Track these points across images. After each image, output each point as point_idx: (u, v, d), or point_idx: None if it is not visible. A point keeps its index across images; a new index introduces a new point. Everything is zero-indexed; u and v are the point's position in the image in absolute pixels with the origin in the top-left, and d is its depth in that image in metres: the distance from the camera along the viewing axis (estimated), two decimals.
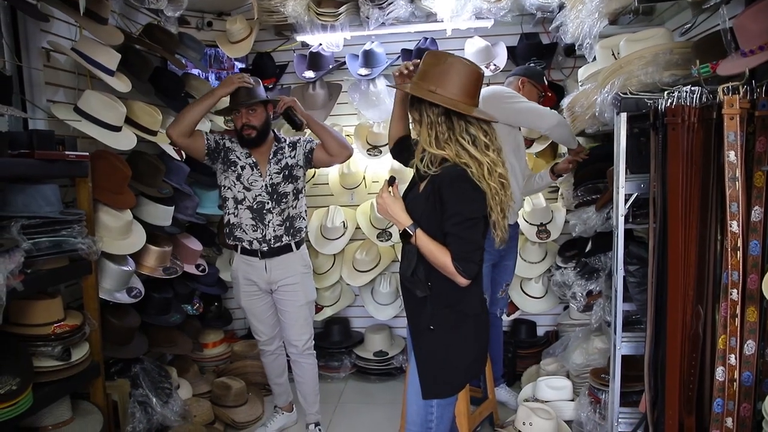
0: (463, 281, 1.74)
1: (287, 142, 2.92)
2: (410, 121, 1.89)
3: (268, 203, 2.82)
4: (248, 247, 2.85)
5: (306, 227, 2.99)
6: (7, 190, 2.13)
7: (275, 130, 2.94)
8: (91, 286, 2.49)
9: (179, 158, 3.19)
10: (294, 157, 2.88)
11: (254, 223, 2.82)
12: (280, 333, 3.05)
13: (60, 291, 2.54)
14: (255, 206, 2.82)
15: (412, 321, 1.93)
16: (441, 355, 1.86)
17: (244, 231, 2.84)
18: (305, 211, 2.98)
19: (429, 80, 1.75)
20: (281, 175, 2.84)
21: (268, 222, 2.82)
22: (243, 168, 2.82)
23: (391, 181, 1.86)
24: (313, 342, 3.04)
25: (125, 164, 2.74)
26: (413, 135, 1.88)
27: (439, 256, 1.73)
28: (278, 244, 2.84)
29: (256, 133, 2.77)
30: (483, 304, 1.93)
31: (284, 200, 2.85)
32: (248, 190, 2.82)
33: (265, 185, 2.82)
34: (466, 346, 1.87)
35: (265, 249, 2.83)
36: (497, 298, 3.25)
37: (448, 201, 1.73)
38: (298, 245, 2.92)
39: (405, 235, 1.81)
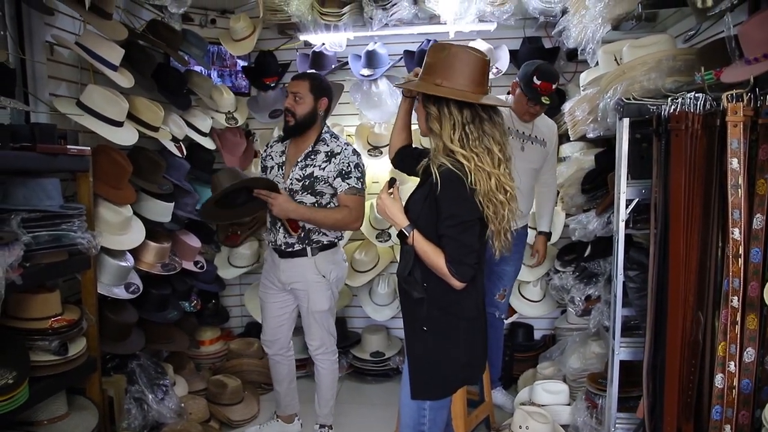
0: (457, 284, 1.74)
1: (327, 149, 2.65)
2: (426, 118, 1.81)
3: None
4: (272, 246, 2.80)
5: (327, 240, 2.74)
6: (8, 183, 2.12)
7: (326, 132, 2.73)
8: (90, 280, 2.48)
9: (180, 155, 3.18)
10: (324, 170, 2.63)
11: (269, 227, 2.79)
12: (285, 338, 2.94)
13: (58, 285, 2.52)
14: None
15: (407, 321, 1.94)
16: (432, 356, 1.86)
17: (268, 231, 2.81)
18: None
19: (434, 73, 1.74)
20: (301, 184, 2.64)
21: (279, 228, 2.71)
22: (271, 169, 2.75)
23: (392, 182, 1.87)
24: (330, 348, 2.90)
25: (126, 159, 2.73)
26: (434, 129, 1.78)
27: (434, 257, 1.74)
28: (289, 250, 2.71)
29: (294, 123, 2.63)
30: (479, 309, 1.91)
31: None
32: None
33: (285, 189, 2.66)
34: (458, 349, 1.86)
35: (282, 249, 2.74)
36: (494, 300, 3.24)
37: (442, 203, 1.73)
38: (314, 251, 2.71)
39: (402, 236, 1.81)
